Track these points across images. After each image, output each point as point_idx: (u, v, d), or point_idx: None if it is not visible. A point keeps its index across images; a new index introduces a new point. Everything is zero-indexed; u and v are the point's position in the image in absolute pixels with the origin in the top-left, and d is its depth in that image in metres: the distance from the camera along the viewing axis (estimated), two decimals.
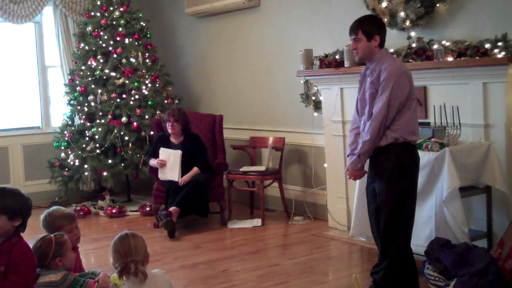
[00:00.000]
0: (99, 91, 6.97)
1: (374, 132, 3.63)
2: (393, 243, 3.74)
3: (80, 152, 6.94)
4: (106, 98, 6.94)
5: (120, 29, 7.17)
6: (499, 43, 4.34)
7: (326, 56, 5.63)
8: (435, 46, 4.68)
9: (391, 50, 4.91)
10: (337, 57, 5.49)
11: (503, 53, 4.28)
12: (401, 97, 3.62)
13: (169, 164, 6.02)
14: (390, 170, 3.69)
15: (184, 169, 5.97)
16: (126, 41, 7.14)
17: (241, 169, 6.30)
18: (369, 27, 3.72)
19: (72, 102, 7.21)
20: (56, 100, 7.73)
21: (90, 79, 7.05)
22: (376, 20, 3.92)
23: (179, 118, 6.08)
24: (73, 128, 7.10)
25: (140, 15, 7.42)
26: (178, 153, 6.00)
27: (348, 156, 3.90)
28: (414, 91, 3.77)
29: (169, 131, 6.11)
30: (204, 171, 6.04)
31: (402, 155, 3.69)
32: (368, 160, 3.81)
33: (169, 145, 6.13)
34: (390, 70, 3.63)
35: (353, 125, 3.95)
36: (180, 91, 7.65)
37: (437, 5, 4.82)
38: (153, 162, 6.12)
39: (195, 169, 5.98)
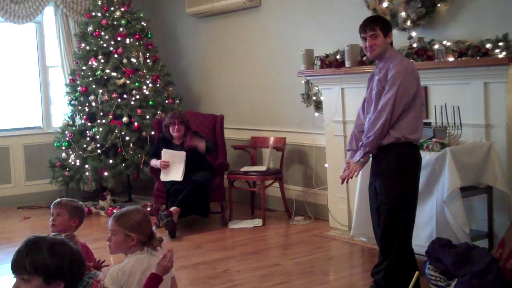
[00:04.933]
0: (100, 91, 6.97)
1: (378, 130, 3.63)
2: (393, 243, 3.74)
3: (81, 152, 6.94)
4: (107, 98, 6.94)
5: (121, 29, 7.16)
6: (500, 43, 4.34)
7: (327, 56, 5.63)
8: (436, 46, 4.68)
9: None
10: (338, 57, 5.49)
11: (504, 53, 4.28)
12: (407, 96, 3.62)
13: (173, 165, 6.01)
14: (391, 169, 3.69)
15: (187, 170, 5.95)
16: (127, 41, 7.13)
17: (242, 169, 6.30)
18: (385, 24, 3.80)
19: (73, 102, 7.21)
20: (57, 100, 7.74)
21: (91, 79, 7.06)
22: (386, 19, 4.04)
23: (183, 120, 6.07)
24: (74, 128, 7.10)
25: (141, 15, 7.42)
26: (182, 154, 5.98)
27: (348, 151, 3.91)
28: (421, 92, 3.77)
29: (174, 134, 6.06)
30: (206, 168, 6.03)
31: (403, 155, 3.69)
32: (370, 159, 3.81)
33: (171, 146, 6.11)
34: (398, 69, 3.63)
35: (356, 122, 3.96)
36: (181, 91, 7.65)
37: (438, 5, 4.82)
38: (154, 162, 6.10)
39: (202, 142, 5.95)
